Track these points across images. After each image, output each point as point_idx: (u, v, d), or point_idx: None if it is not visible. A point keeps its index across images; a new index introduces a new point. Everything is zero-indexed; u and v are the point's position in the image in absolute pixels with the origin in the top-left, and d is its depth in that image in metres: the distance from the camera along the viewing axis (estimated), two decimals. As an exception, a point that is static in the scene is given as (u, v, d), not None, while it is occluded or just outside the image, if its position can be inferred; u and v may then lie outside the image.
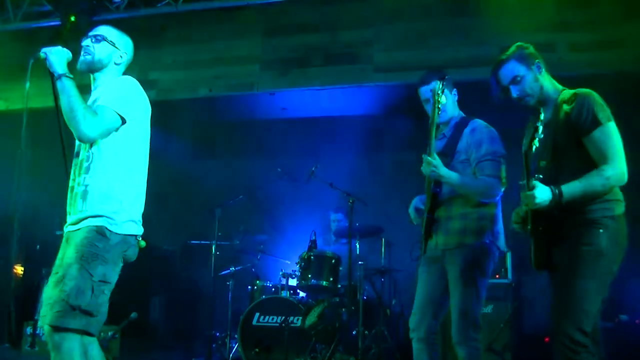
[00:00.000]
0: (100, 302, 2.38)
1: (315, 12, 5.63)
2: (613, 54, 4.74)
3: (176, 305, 6.69)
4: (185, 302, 6.70)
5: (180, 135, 6.31)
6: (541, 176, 2.38)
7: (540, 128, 2.32)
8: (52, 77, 2.47)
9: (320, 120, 6.40)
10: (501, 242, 3.02)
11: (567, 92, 2.60)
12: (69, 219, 2.53)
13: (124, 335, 5.30)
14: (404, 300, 5.59)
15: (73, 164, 2.59)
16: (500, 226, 3.03)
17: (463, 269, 2.88)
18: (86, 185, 2.47)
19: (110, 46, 2.66)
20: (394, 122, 6.12)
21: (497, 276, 4.84)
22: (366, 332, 4.88)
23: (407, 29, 5.37)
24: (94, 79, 2.68)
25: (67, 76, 2.43)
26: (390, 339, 5.08)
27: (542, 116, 2.40)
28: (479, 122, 3.07)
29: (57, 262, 2.50)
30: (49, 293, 2.40)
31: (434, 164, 2.85)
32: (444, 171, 2.86)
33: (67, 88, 2.40)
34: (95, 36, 2.65)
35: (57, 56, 2.46)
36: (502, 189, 2.97)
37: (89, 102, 2.56)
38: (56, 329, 2.31)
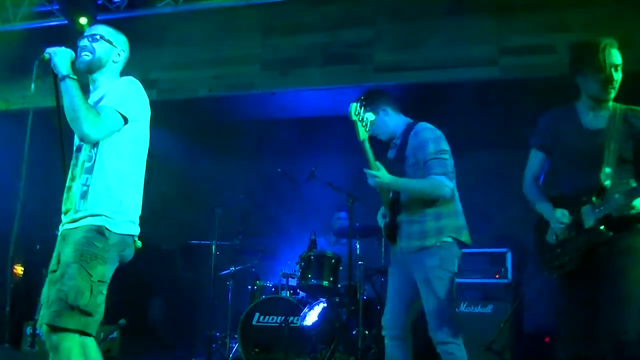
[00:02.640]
0: (98, 302, 2.38)
1: (315, 12, 5.63)
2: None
3: (176, 305, 6.69)
4: (185, 302, 6.69)
5: (180, 135, 6.31)
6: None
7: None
8: (55, 78, 2.48)
9: (320, 120, 6.39)
10: (465, 235, 3.06)
11: (627, 107, 2.72)
12: (66, 217, 2.53)
13: (124, 335, 5.30)
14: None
15: (72, 164, 2.59)
16: (461, 220, 3.09)
17: (429, 271, 2.94)
18: (88, 186, 2.47)
19: (108, 45, 2.66)
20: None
21: (497, 276, 4.84)
22: (366, 332, 4.88)
23: (407, 29, 5.37)
24: (93, 80, 2.68)
25: (71, 77, 2.43)
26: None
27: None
28: (421, 125, 3.14)
29: (54, 260, 2.50)
30: (48, 293, 2.40)
31: (375, 174, 2.93)
32: (388, 179, 2.95)
33: (71, 89, 2.40)
34: (92, 35, 2.65)
35: (61, 57, 2.46)
36: (452, 184, 3.02)
37: (91, 102, 2.55)
38: (54, 328, 2.30)
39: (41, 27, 5.89)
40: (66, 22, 5.59)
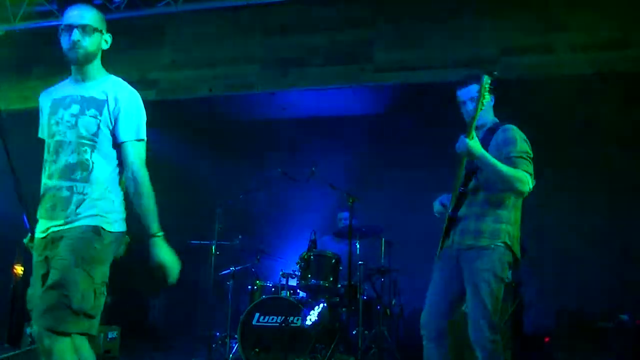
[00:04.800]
0: (101, 304, 2.37)
1: (316, 12, 5.63)
2: (613, 54, 4.74)
3: (176, 305, 6.69)
4: (185, 302, 6.69)
5: (180, 135, 6.31)
6: None
7: None
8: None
9: (320, 120, 6.40)
10: (517, 248, 2.97)
11: None
12: (53, 221, 2.42)
13: (124, 335, 5.30)
14: (404, 300, 5.59)
15: (49, 161, 2.48)
16: (518, 231, 3.00)
17: (476, 273, 2.88)
18: (85, 194, 2.42)
19: (99, 35, 2.53)
20: (394, 122, 6.12)
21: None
22: (366, 332, 4.88)
23: (407, 29, 5.37)
24: (82, 70, 2.55)
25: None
26: (390, 339, 5.08)
27: None
28: (511, 125, 3.08)
29: (39, 263, 2.41)
30: (42, 296, 2.28)
31: (468, 141, 2.84)
32: (479, 149, 2.85)
33: None
34: (84, 27, 2.48)
35: None
36: (532, 186, 2.94)
37: (87, 95, 2.49)
38: (58, 333, 2.24)
39: (41, 27, 5.89)
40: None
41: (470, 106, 3.06)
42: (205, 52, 5.86)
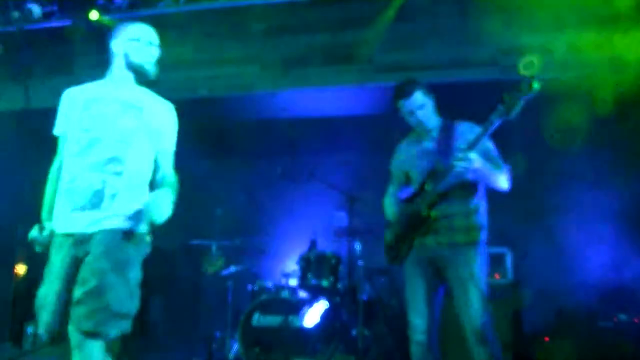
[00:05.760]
0: (137, 304, 2.53)
1: (316, 12, 5.63)
2: (612, 55, 4.74)
3: (176, 305, 6.69)
4: (185, 302, 6.69)
5: (180, 135, 6.29)
6: None
7: None
8: None
9: (320, 120, 6.40)
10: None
11: None
12: (82, 219, 2.47)
13: (124, 335, 5.30)
14: (404, 300, 5.59)
15: (81, 156, 2.53)
16: None
17: (475, 267, 2.89)
18: (118, 189, 2.50)
19: None
20: (394, 122, 6.12)
21: (497, 276, 4.84)
22: (366, 332, 4.89)
23: (407, 29, 5.37)
24: (127, 80, 2.73)
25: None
26: (390, 339, 5.08)
27: None
28: (470, 123, 3.13)
29: (62, 261, 2.45)
30: (80, 300, 2.36)
31: (471, 157, 2.83)
32: (481, 161, 2.87)
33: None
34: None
35: None
36: None
37: (124, 98, 2.62)
38: (94, 335, 2.38)
39: (41, 28, 5.89)
40: (67, 23, 5.61)
41: (419, 115, 3.05)
42: (205, 52, 5.86)
